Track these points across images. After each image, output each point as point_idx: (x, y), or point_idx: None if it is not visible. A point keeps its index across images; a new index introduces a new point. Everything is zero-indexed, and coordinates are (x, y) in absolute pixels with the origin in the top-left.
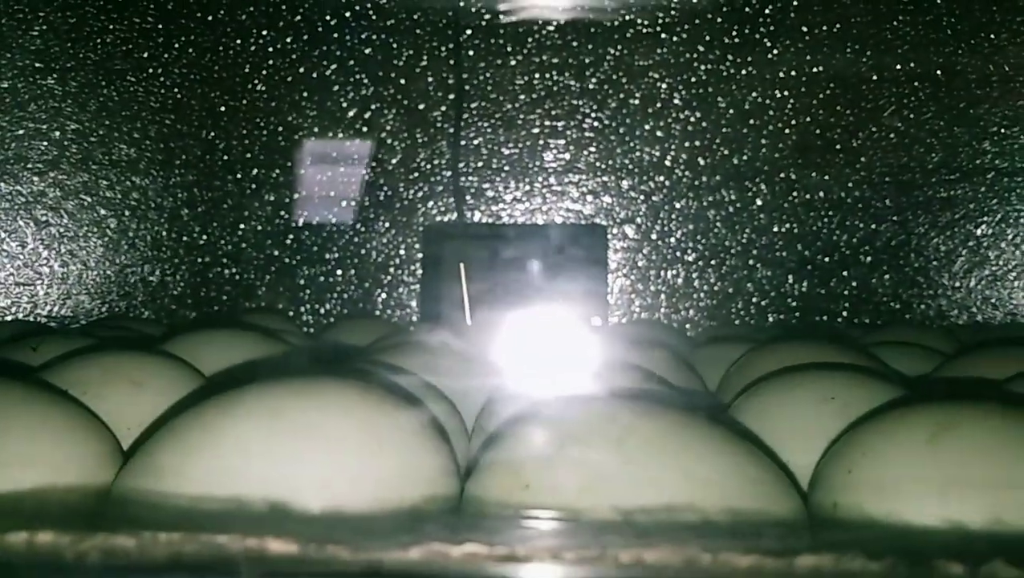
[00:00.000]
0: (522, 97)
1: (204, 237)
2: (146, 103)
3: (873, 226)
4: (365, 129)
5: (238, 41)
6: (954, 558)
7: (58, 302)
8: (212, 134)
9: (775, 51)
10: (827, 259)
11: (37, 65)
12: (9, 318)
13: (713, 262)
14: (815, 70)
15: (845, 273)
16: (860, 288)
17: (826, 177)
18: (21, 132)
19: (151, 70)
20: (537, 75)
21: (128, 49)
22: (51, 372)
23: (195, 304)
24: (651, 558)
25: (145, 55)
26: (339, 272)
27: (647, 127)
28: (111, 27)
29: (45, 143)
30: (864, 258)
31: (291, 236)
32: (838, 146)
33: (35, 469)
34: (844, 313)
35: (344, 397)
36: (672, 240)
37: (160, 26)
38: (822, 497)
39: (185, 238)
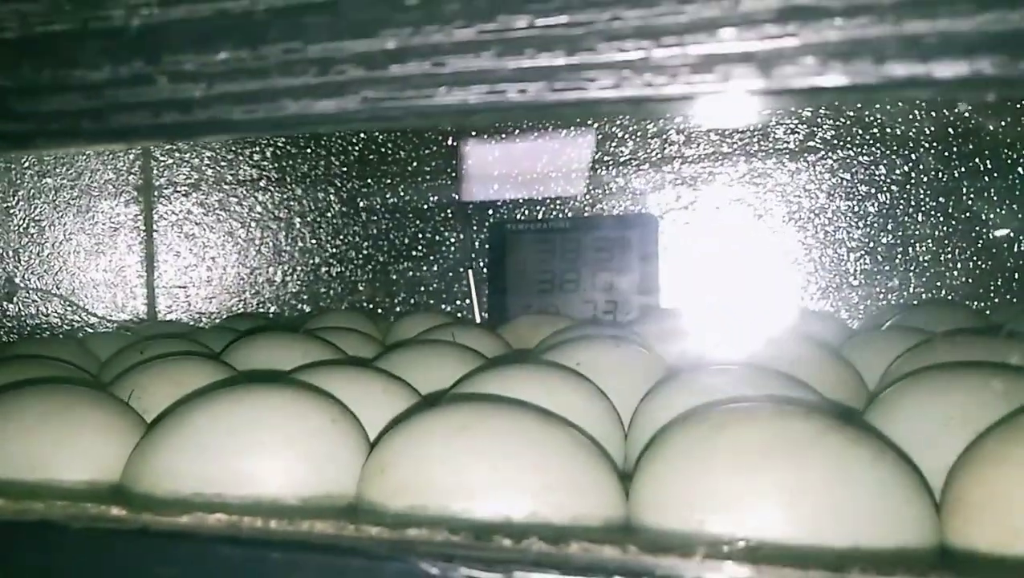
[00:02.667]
0: None
1: (313, 241)
2: None
3: None
4: (440, 139)
5: None
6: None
7: (205, 301)
8: (314, 152)
9: None
10: None
11: None
12: (170, 316)
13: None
14: None
15: None
16: None
17: None
18: (171, 161)
19: None
20: None
21: None
22: (124, 376)
23: (309, 299)
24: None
25: None
26: (424, 267)
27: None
28: None
29: (188, 168)
30: None
31: (384, 237)
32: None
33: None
34: None
35: (268, 403)
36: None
37: None
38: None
39: (299, 243)
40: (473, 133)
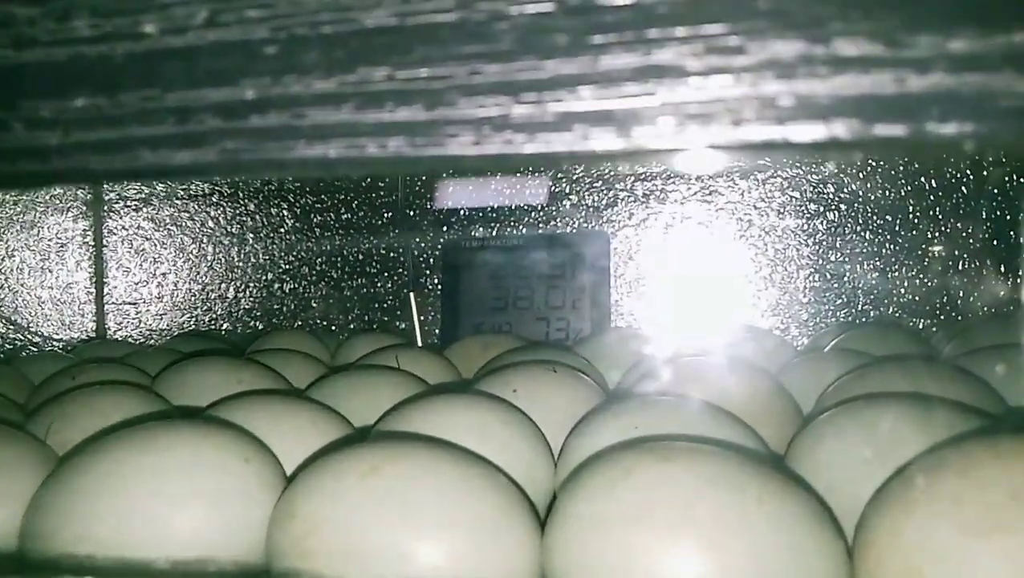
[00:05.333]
0: None
1: (266, 257)
2: None
3: None
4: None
5: None
6: None
7: (156, 318)
8: None
9: None
10: None
11: None
12: (121, 334)
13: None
14: None
15: None
16: None
17: None
18: None
19: None
20: None
21: None
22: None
23: (262, 315)
24: None
25: None
26: (378, 284)
27: None
28: None
29: (138, 183)
30: None
31: (337, 254)
32: None
33: None
34: None
35: (173, 443)
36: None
37: None
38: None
39: (252, 259)
40: None
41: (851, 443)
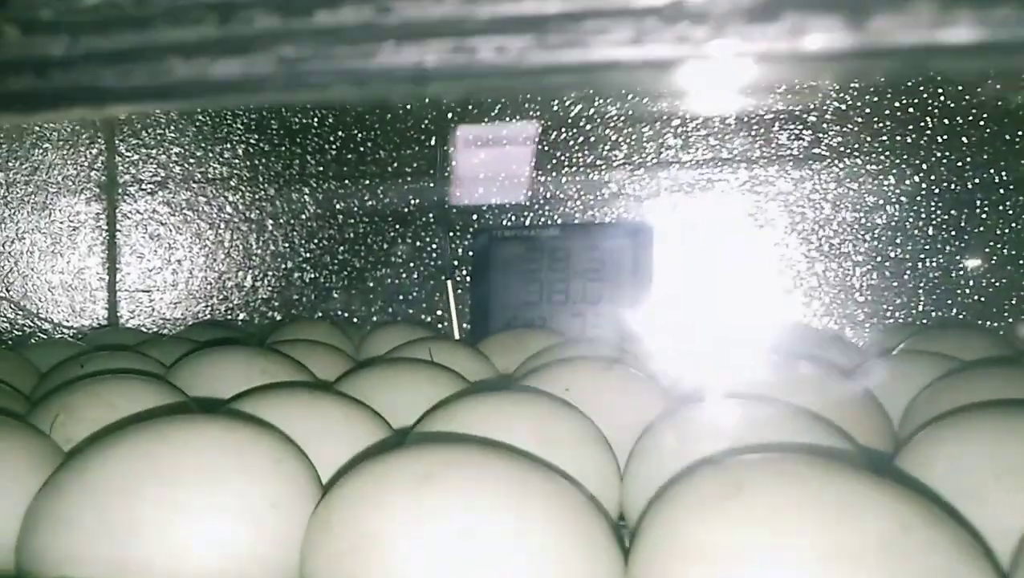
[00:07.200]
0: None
1: (286, 245)
2: (233, 125)
3: None
4: (422, 139)
5: None
6: None
7: (170, 307)
8: (288, 150)
9: None
10: None
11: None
12: (133, 322)
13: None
14: None
15: None
16: None
17: None
18: (136, 157)
19: None
20: None
21: None
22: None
23: (281, 306)
24: None
25: None
26: (403, 275)
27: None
28: None
29: (154, 165)
30: None
31: (361, 242)
32: None
33: None
34: None
35: (194, 441)
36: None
37: None
38: None
39: (271, 247)
40: (458, 131)
41: (977, 457)
